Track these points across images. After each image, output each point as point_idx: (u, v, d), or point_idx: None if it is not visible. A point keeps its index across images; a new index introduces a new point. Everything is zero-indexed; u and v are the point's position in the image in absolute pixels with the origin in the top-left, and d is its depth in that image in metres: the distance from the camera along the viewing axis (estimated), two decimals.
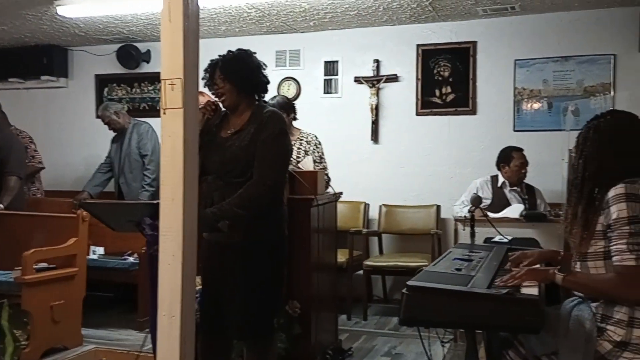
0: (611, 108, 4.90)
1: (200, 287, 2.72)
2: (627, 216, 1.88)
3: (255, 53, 2.83)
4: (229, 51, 2.79)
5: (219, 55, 2.78)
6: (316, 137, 4.26)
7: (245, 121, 2.74)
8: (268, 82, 2.84)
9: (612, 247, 1.91)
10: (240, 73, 2.73)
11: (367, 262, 5.03)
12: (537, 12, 5.05)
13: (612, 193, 1.94)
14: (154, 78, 5.96)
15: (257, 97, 2.83)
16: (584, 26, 5.03)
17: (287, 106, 4.11)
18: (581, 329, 1.94)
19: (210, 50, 2.88)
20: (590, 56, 5.02)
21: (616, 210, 1.90)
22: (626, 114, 2.10)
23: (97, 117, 5.58)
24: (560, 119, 5.04)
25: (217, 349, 2.80)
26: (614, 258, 1.89)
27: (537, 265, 2.50)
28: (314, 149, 4.15)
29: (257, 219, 2.65)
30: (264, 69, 2.83)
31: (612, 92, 4.97)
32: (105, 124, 5.37)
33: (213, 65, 2.76)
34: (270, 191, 2.66)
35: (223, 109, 2.85)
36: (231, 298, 2.67)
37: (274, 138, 2.68)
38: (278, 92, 5.72)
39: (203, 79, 2.73)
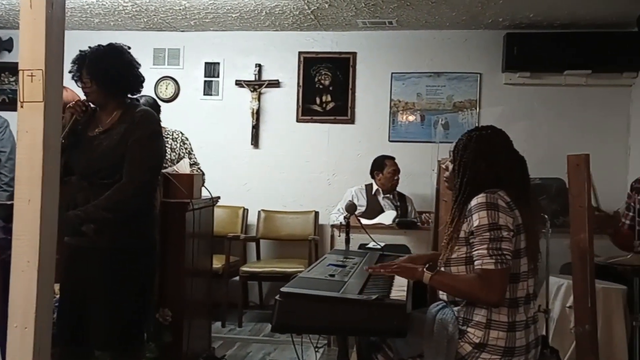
0: (477, 123, 5.26)
1: (59, 295, 2.53)
2: (487, 223, 1.99)
3: (130, 48, 2.69)
4: (98, 46, 2.61)
5: (89, 47, 2.61)
6: (182, 134, 4.14)
7: (115, 120, 2.59)
8: (142, 80, 2.70)
9: (474, 252, 2.01)
10: (108, 71, 2.56)
11: (244, 268, 4.98)
12: (412, 28, 5.30)
13: (474, 202, 2.06)
14: (16, 69, 5.49)
15: (129, 95, 2.68)
16: (454, 45, 5.35)
17: (154, 108, 3.97)
18: (444, 332, 2.03)
19: (82, 43, 2.70)
20: (459, 73, 5.35)
21: (477, 218, 2.01)
22: (501, 131, 2.23)
23: None
24: (432, 131, 5.31)
25: None
26: (476, 262, 2.00)
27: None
28: (180, 146, 4.03)
29: (126, 223, 2.51)
30: (137, 67, 2.68)
31: (477, 109, 5.32)
32: None
33: (81, 59, 2.57)
34: (140, 193, 2.53)
35: (93, 106, 2.68)
36: (95, 307, 2.50)
37: (146, 138, 2.55)
38: (155, 91, 5.52)
39: (70, 72, 2.55)
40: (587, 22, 4.90)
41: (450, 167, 2.27)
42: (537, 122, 5.09)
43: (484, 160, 2.14)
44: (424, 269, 2.08)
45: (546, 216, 3.15)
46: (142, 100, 3.72)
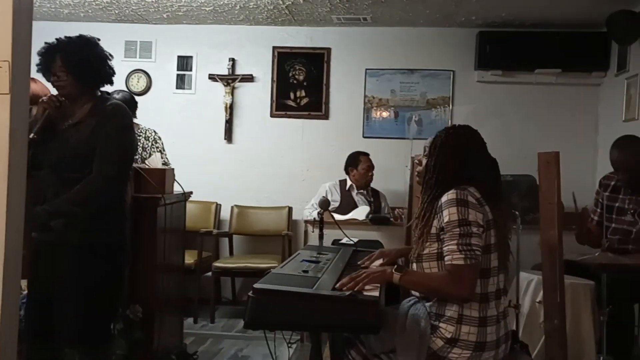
0: (450, 120, 5.31)
1: (26, 291, 2.48)
2: (457, 219, 2.01)
3: (99, 40, 2.64)
4: (69, 37, 2.56)
5: (56, 40, 2.55)
6: (155, 132, 4.10)
7: (85, 113, 2.54)
8: (114, 74, 2.66)
9: (444, 248, 2.03)
10: (83, 65, 2.52)
11: (217, 264, 4.94)
12: (387, 25, 5.31)
13: (444, 198, 2.07)
14: None
15: (99, 88, 2.63)
16: (427, 42, 5.38)
17: (131, 104, 3.93)
18: (416, 327, 2.04)
19: (50, 34, 2.63)
20: (433, 71, 5.38)
21: (448, 214, 2.03)
22: (477, 132, 2.25)
23: None
24: (405, 127, 5.34)
25: (46, 359, 2.56)
26: (446, 258, 2.01)
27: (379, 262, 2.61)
28: (152, 144, 3.99)
29: (95, 218, 2.46)
30: (111, 59, 2.64)
31: (451, 106, 5.36)
32: None
33: (50, 51, 2.51)
34: (110, 188, 2.49)
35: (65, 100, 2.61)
36: (63, 303, 2.46)
37: (117, 132, 2.51)
38: (127, 84, 5.44)
39: (38, 64, 2.49)
40: (557, 22, 4.97)
41: (424, 162, 2.28)
42: (508, 120, 5.16)
43: (459, 158, 2.16)
44: (393, 270, 2.08)
45: (517, 212, 3.20)
46: (119, 96, 3.69)
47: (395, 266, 2.11)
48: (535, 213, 3.43)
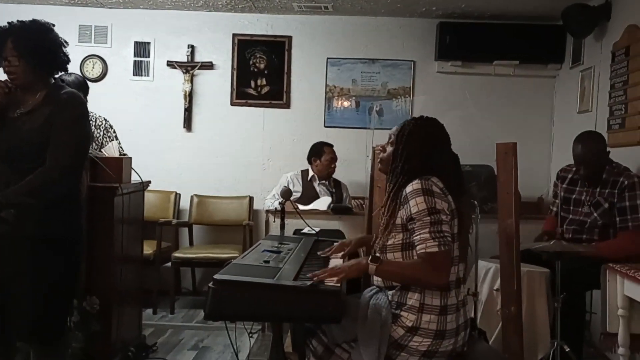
0: (410, 111, 5.35)
1: None
2: (426, 208, 2.02)
3: (54, 26, 2.55)
4: (22, 22, 2.46)
5: (8, 23, 2.45)
6: (106, 120, 3.96)
7: (39, 101, 2.45)
8: (68, 62, 2.57)
9: (415, 238, 2.04)
10: (37, 51, 2.43)
11: (176, 254, 4.88)
12: (348, 14, 5.30)
13: (409, 188, 2.08)
14: None
15: (53, 75, 2.54)
16: (389, 32, 5.40)
17: (83, 87, 3.80)
18: (377, 316, 2.06)
19: (0, 17, 2.54)
20: (394, 61, 5.41)
21: (415, 204, 2.04)
22: (442, 125, 2.26)
23: None
24: (366, 117, 5.36)
25: None
26: (418, 247, 2.02)
27: (341, 254, 2.62)
28: (104, 134, 3.87)
29: (49, 209, 2.39)
30: (65, 47, 2.56)
31: (411, 96, 5.40)
32: None
33: (2, 35, 2.41)
34: (64, 178, 2.41)
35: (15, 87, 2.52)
36: (16, 296, 2.38)
37: (72, 121, 2.43)
38: (81, 69, 5.28)
39: None
40: (515, 15, 5.05)
41: (389, 149, 2.28)
42: (467, 110, 5.22)
43: (427, 149, 2.17)
44: (368, 261, 2.08)
45: (476, 202, 3.24)
46: (70, 78, 3.56)
47: (370, 257, 2.11)
48: (493, 203, 3.51)
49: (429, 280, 2.03)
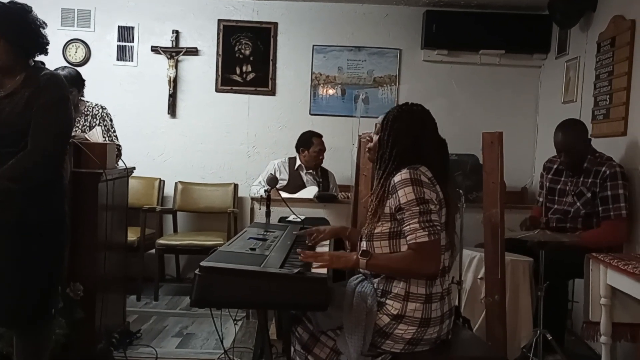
0: (396, 99, 5.35)
1: None
2: (414, 198, 2.02)
3: (31, 8, 2.50)
4: (1, 2, 2.41)
5: None
6: (103, 108, 3.91)
7: (18, 84, 2.40)
8: (47, 44, 2.53)
9: (404, 228, 2.04)
10: (18, 33, 2.38)
11: (160, 241, 4.85)
12: (334, 1, 5.28)
13: (397, 178, 2.08)
14: None
15: (33, 58, 2.50)
16: (374, 20, 5.38)
17: (78, 81, 3.77)
18: (363, 304, 2.06)
19: None
20: (380, 49, 5.39)
21: (404, 194, 2.04)
22: (429, 112, 2.25)
23: None
24: (352, 105, 5.35)
25: None
26: (408, 237, 2.02)
27: (328, 242, 2.63)
28: (100, 122, 3.82)
29: (32, 194, 2.35)
30: (44, 29, 2.51)
31: (397, 84, 5.39)
32: None
33: None
34: (47, 162, 2.37)
35: None
36: None
37: (53, 104, 2.38)
38: (63, 54, 5.19)
39: None
40: (502, 4, 5.05)
41: (375, 138, 2.27)
42: (453, 99, 5.23)
43: (414, 136, 2.17)
44: (359, 256, 2.09)
45: (461, 191, 3.26)
46: (64, 72, 3.52)
47: (361, 251, 2.11)
48: (478, 192, 3.53)
49: (420, 270, 2.03)
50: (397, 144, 2.16)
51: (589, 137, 3.53)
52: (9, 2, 2.43)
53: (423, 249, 2.00)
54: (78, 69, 4.99)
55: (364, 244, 2.17)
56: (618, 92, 3.78)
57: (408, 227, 2.02)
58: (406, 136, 2.16)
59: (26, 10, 2.45)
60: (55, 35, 2.71)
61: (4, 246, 2.36)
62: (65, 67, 3.91)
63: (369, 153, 2.35)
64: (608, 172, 3.33)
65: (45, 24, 2.52)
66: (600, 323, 2.74)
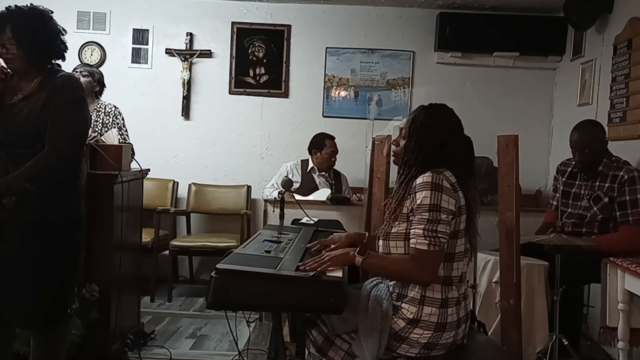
0: (409, 101, 5.33)
1: None
2: (428, 204, 2.00)
3: (52, 13, 2.51)
4: (20, 8, 2.42)
5: (7, 9, 2.41)
6: (115, 108, 3.97)
7: (35, 87, 2.42)
8: (66, 50, 2.55)
9: (411, 230, 2.03)
10: (36, 40, 2.40)
11: (174, 242, 4.87)
12: (348, 3, 5.27)
13: (419, 180, 2.06)
14: None
15: (50, 63, 2.52)
16: (388, 22, 5.37)
17: (102, 83, 3.97)
18: (378, 308, 2.05)
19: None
20: (393, 51, 5.38)
21: (420, 197, 2.02)
22: (452, 110, 2.22)
23: None
24: (365, 108, 5.34)
25: None
26: (411, 241, 2.02)
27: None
28: (112, 120, 3.87)
29: (49, 195, 2.37)
30: (63, 35, 2.53)
31: (410, 87, 5.38)
32: None
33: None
34: (64, 164, 2.39)
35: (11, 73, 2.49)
36: (15, 283, 2.37)
37: (69, 105, 2.40)
38: (79, 56, 5.24)
39: None
40: (516, 6, 5.03)
41: (402, 143, 2.23)
42: (467, 102, 5.15)
43: (439, 139, 2.14)
44: (355, 253, 2.08)
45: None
46: (95, 70, 3.69)
47: (358, 249, 2.11)
48: (492, 195, 3.50)
49: (412, 276, 2.03)
50: (424, 150, 2.13)
51: (606, 139, 3.50)
52: (29, 9, 2.44)
53: (420, 256, 1.99)
54: None
55: (380, 243, 2.16)
56: (635, 94, 3.75)
57: (413, 230, 2.01)
58: (434, 142, 2.13)
59: (46, 17, 2.47)
60: (71, 37, 2.71)
61: (21, 247, 2.38)
62: (90, 66, 4.05)
63: (395, 157, 2.31)
64: (626, 176, 3.30)
65: (65, 31, 2.54)
66: (618, 328, 2.71)
